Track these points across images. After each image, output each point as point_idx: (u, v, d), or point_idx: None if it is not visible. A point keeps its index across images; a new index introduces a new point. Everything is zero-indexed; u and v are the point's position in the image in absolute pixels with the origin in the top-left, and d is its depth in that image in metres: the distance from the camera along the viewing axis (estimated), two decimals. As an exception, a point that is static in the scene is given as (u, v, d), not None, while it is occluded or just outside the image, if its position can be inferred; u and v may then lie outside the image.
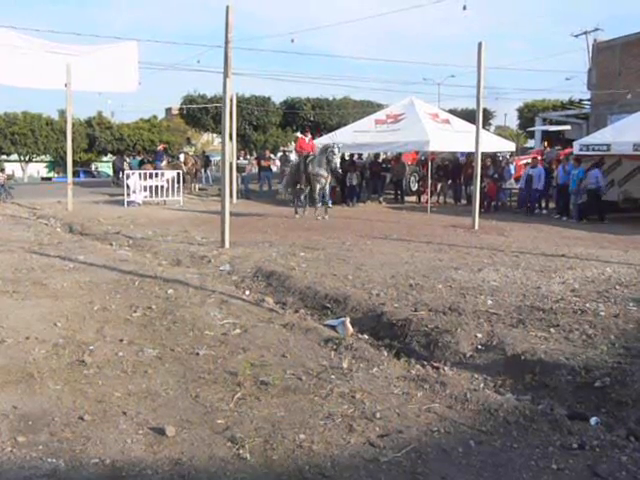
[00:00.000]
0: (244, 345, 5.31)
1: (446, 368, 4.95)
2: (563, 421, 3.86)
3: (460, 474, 3.26)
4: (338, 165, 14.77)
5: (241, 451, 3.43)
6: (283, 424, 3.77)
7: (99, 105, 51.71)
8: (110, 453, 3.40)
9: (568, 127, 26.44)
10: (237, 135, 21.12)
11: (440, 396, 4.28)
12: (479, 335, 5.43)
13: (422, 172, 20.66)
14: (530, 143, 39.21)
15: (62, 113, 38.75)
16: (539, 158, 19.94)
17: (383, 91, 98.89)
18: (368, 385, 4.44)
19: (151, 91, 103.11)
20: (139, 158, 27.56)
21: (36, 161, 46.20)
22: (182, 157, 23.04)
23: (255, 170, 24.98)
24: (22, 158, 43.23)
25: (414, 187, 21.72)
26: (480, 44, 12.99)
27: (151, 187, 18.46)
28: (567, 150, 19.98)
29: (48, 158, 46.52)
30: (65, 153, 18.99)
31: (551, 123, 28.32)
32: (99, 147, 45.04)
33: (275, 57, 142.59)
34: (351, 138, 18.74)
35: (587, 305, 6.38)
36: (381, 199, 20.26)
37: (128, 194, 17.99)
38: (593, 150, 15.42)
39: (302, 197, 15.63)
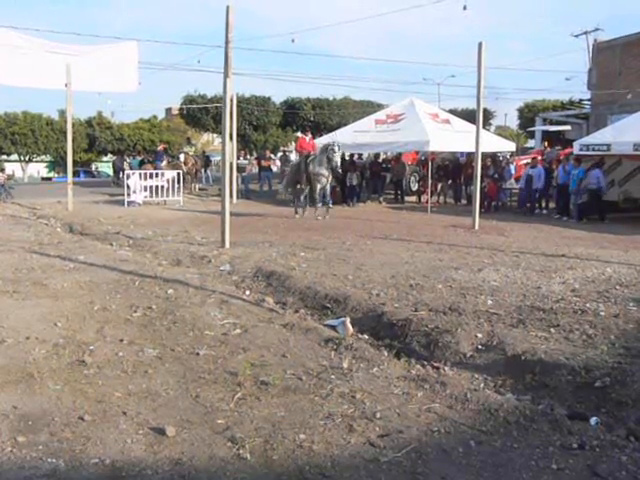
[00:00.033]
0: (244, 345, 5.31)
1: (446, 368, 4.95)
2: (563, 421, 3.86)
3: (460, 474, 3.26)
4: (339, 163, 14.76)
5: (241, 451, 3.43)
6: (283, 424, 3.77)
7: (99, 105, 51.83)
8: (110, 453, 3.40)
9: (568, 127, 26.43)
10: (237, 135, 21.12)
11: (440, 396, 4.28)
12: (479, 335, 5.43)
13: (422, 172, 20.67)
14: (530, 143, 39.20)
15: (62, 113, 38.77)
16: (539, 158, 19.95)
17: (383, 91, 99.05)
18: (368, 385, 4.44)
19: (151, 91, 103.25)
20: (139, 158, 27.54)
21: (36, 161, 46.22)
22: (182, 157, 23.05)
23: (255, 170, 24.98)
24: (22, 158, 43.24)
25: (414, 187, 21.72)
26: (480, 44, 12.99)
27: (151, 187, 18.46)
28: (567, 150, 19.97)
29: (48, 158, 46.54)
30: (65, 153, 19.01)
31: (551, 123, 28.31)
32: (99, 147, 45.06)
33: (275, 57, 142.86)
34: (351, 138, 18.74)
35: (587, 305, 6.38)
36: (381, 199, 20.26)
37: (128, 194, 17.99)
38: (593, 150, 15.42)
39: (302, 197, 15.63)
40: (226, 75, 11.47)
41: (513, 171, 19.95)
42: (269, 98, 36.46)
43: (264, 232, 12.14)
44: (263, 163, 23.49)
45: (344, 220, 14.54)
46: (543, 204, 17.84)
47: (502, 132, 42.64)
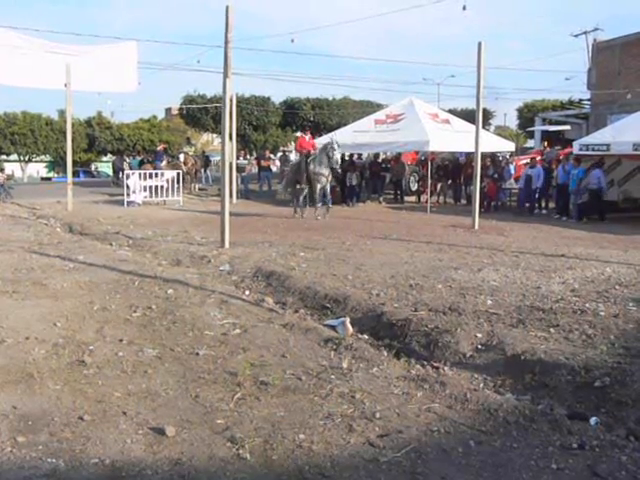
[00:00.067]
0: (244, 345, 5.31)
1: (446, 368, 4.95)
2: (563, 421, 3.86)
3: (460, 474, 3.26)
4: (339, 160, 14.77)
5: (241, 451, 3.43)
6: (283, 424, 3.77)
7: (99, 105, 51.93)
8: (110, 453, 3.40)
9: (568, 127, 26.45)
10: (237, 135, 21.13)
11: (440, 396, 4.28)
12: (479, 335, 5.43)
13: (422, 172, 20.68)
14: (530, 143, 39.25)
15: (62, 113, 38.73)
16: (538, 158, 19.95)
17: (383, 91, 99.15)
18: (368, 385, 4.44)
19: (151, 91, 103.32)
20: (139, 158, 27.55)
21: (36, 161, 46.16)
22: (182, 157, 23.08)
23: (255, 170, 24.99)
24: (22, 158, 43.19)
25: (414, 187, 21.74)
26: (480, 44, 13.00)
27: (151, 187, 18.46)
28: (567, 150, 19.99)
29: (48, 158, 46.48)
30: (65, 153, 19.01)
31: (551, 123, 28.32)
32: (99, 147, 45.01)
33: (275, 57, 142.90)
34: (351, 138, 18.74)
35: (587, 305, 6.38)
36: (381, 199, 20.27)
37: (128, 194, 18.00)
38: (593, 150, 15.42)
39: (302, 197, 15.63)
40: (226, 75, 11.47)
41: (513, 171, 19.95)
42: (269, 98, 36.48)
43: (264, 232, 12.14)
44: (263, 163, 23.51)
45: (344, 220, 14.55)
46: (543, 204, 17.85)
47: (502, 132, 42.66)
